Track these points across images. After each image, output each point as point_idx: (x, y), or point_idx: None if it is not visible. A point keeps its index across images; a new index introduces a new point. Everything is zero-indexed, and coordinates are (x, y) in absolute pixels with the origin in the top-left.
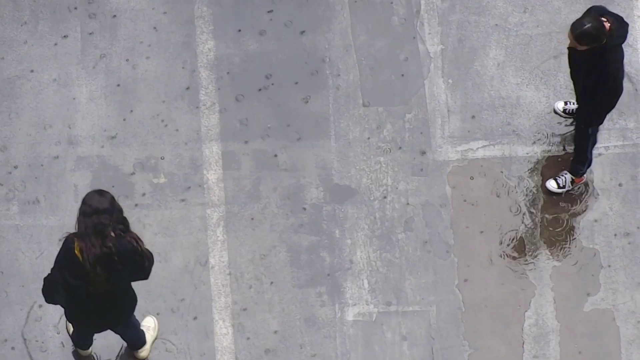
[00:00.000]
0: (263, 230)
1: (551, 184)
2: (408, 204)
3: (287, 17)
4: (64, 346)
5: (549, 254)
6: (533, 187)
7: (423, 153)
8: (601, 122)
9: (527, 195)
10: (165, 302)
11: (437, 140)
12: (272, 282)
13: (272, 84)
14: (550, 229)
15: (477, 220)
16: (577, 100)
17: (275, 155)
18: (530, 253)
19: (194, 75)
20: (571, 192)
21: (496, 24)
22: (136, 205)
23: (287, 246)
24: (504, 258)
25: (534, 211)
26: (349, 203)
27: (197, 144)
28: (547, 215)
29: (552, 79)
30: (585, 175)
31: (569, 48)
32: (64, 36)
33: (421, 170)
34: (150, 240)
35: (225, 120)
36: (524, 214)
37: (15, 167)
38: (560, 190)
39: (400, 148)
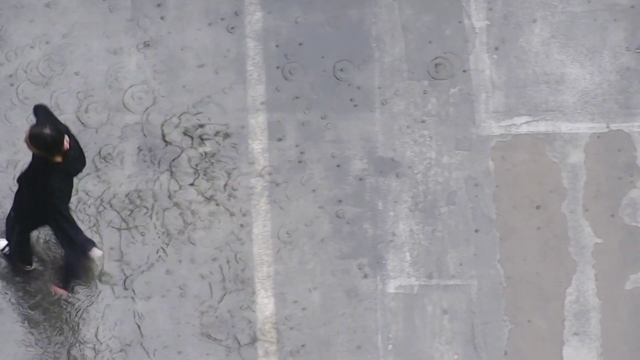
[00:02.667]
0: (307, 200)
1: None
2: (451, 177)
3: None
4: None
5: (591, 231)
6: (575, 164)
7: (467, 127)
8: None
9: (569, 171)
10: (208, 270)
11: (481, 115)
12: (314, 253)
13: (318, 56)
14: (592, 205)
15: (520, 195)
16: None
17: (320, 127)
18: (571, 230)
19: (242, 45)
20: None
21: (542, 1)
22: (180, 173)
23: (330, 217)
24: (545, 234)
25: (576, 188)
26: (393, 175)
27: (243, 114)
28: (589, 192)
29: (596, 56)
30: None
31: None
32: (115, 4)
33: (465, 144)
34: (194, 208)
35: (271, 91)
36: (565, 190)
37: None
38: None
39: (444, 122)
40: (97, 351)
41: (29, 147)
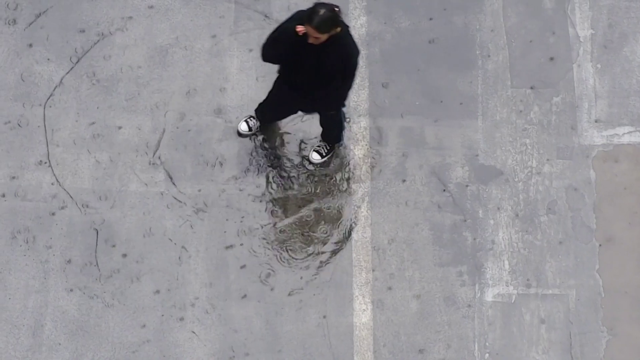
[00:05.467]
0: (407, 207)
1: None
2: (552, 186)
3: None
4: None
5: None
6: None
7: (569, 136)
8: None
9: None
10: (306, 274)
11: (584, 124)
12: (413, 260)
13: (422, 62)
14: None
15: (620, 205)
16: (306, 92)
17: (422, 133)
18: None
19: None
20: None
21: None
22: (281, 176)
23: (430, 224)
24: None
25: None
26: (494, 183)
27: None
28: None
29: None
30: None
31: (301, 43)
32: (217, 6)
33: (566, 153)
34: (294, 213)
35: (374, 96)
36: None
37: (163, 133)
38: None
39: (546, 130)
40: None
41: (319, 35)
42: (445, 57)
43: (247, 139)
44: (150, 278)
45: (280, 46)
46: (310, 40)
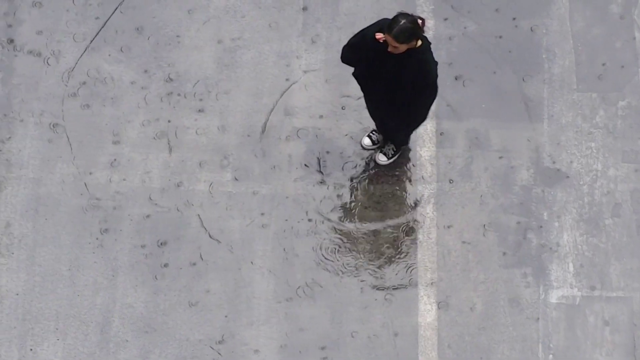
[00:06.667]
0: (472, 209)
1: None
2: (617, 190)
3: (507, 0)
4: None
5: None
6: None
7: (634, 140)
8: None
9: None
10: (371, 275)
11: None
12: (478, 261)
13: (488, 65)
14: None
15: None
16: (383, 101)
17: (488, 136)
18: None
19: None
20: None
21: None
22: (347, 177)
23: (495, 226)
24: None
25: None
26: (559, 186)
27: None
28: None
29: None
30: None
31: (381, 51)
32: (286, 9)
33: (631, 157)
34: (360, 213)
35: (440, 99)
36: None
37: (229, 135)
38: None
39: (611, 134)
40: None
41: (400, 44)
42: (512, 60)
43: (307, 140)
44: (216, 277)
45: (359, 51)
46: (390, 49)
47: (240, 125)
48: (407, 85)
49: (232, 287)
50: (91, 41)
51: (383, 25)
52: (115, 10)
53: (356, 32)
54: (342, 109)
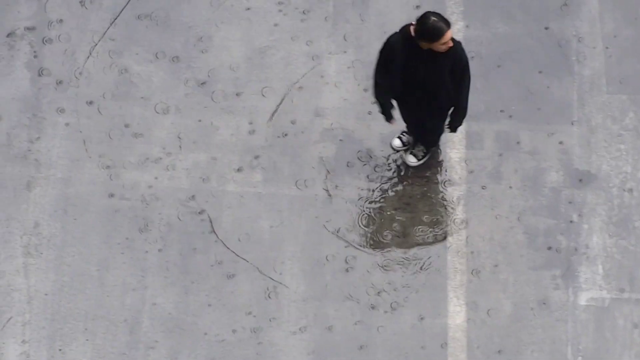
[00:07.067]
0: (502, 210)
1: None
2: None
3: (537, 2)
4: (254, 332)
5: None
6: None
7: None
8: None
9: None
10: (401, 275)
11: None
12: (508, 263)
13: (518, 67)
14: None
15: None
16: (432, 106)
17: (518, 138)
18: None
19: None
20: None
21: None
22: (377, 178)
23: (524, 228)
24: None
25: None
26: (588, 188)
27: None
28: None
29: None
30: None
31: (414, 52)
32: (315, 10)
33: None
34: (389, 215)
35: (470, 100)
36: None
37: (261, 134)
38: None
39: None
40: None
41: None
42: (542, 62)
43: (337, 141)
44: (245, 277)
45: (391, 65)
46: (442, 48)
47: (270, 126)
48: (445, 77)
49: (261, 287)
50: (119, 42)
51: (402, 32)
52: (148, 10)
53: (381, 45)
54: (372, 110)
